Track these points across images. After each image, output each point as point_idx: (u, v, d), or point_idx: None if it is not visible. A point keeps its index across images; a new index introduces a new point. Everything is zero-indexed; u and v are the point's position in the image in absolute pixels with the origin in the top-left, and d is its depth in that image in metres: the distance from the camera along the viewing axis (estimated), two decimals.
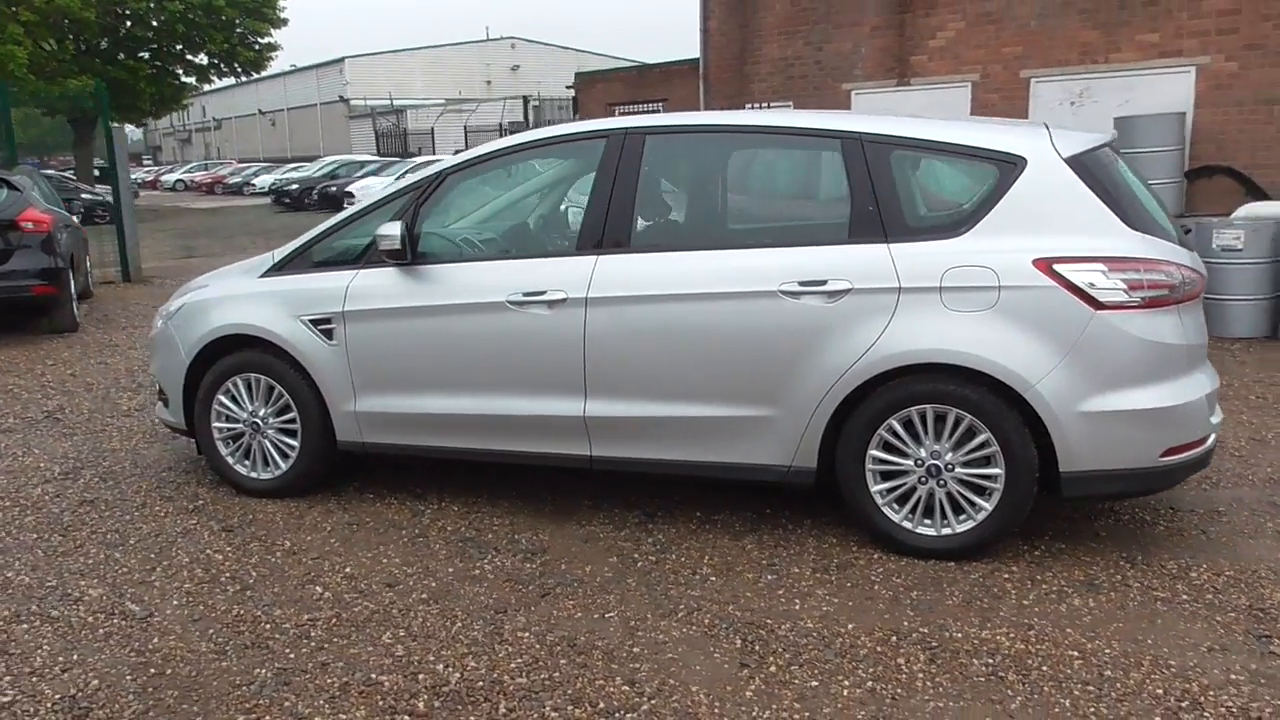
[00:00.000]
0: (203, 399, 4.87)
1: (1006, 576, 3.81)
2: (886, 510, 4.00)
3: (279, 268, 4.81)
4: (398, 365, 4.51)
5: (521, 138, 4.57)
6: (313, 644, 3.45)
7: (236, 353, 4.78)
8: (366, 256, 4.58)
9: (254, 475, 4.88)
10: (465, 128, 38.77)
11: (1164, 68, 9.96)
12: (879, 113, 4.05)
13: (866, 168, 3.97)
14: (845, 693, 3.06)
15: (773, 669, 3.21)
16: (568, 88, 21.78)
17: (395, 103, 46.94)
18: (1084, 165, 3.85)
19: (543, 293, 4.24)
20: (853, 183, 3.99)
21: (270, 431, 4.81)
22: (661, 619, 3.57)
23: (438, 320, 4.41)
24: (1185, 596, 3.63)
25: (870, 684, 3.10)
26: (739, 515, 4.47)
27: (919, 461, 3.92)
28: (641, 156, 4.24)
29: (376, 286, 4.52)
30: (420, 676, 3.21)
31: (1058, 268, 3.71)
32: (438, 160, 6.61)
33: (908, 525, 3.98)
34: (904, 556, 3.99)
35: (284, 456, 4.81)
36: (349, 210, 4.81)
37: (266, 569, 4.06)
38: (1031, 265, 3.73)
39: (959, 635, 3.37)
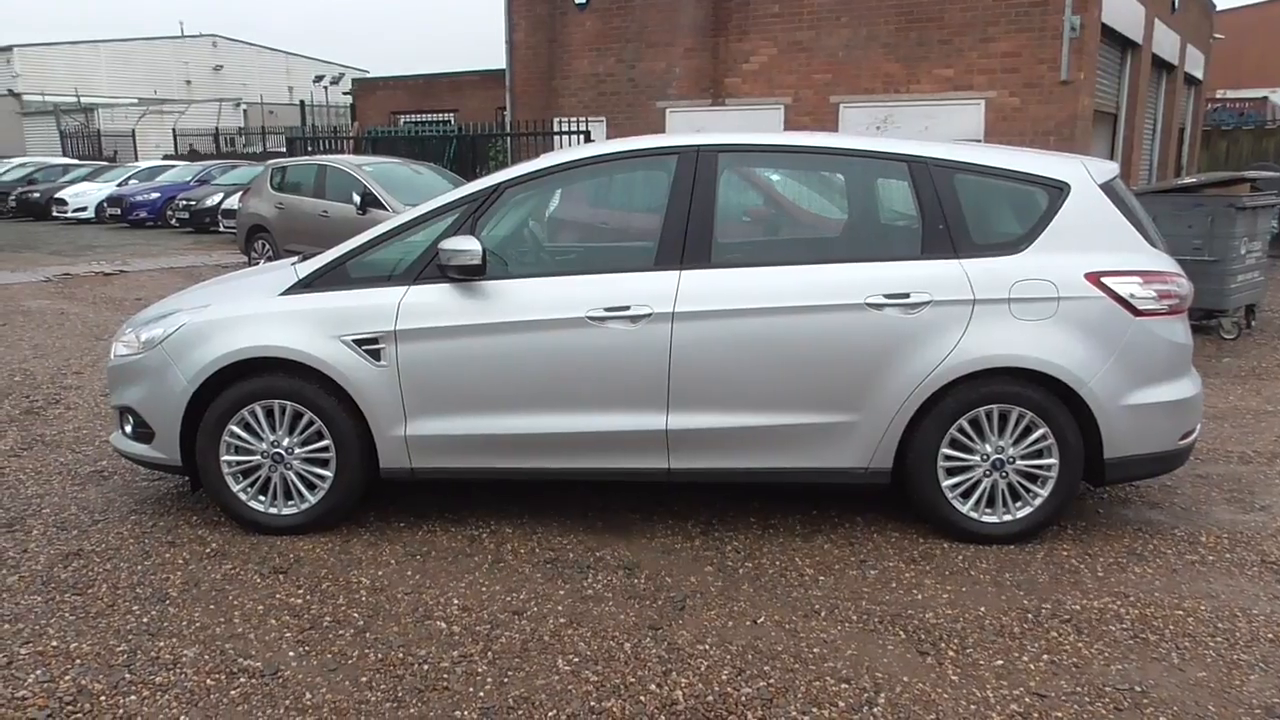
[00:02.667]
0: (209, 430, 4.37)
1: (1065, 554, 4.30)
2: (955, 502, 4.37)
3: (306, 285, 4.42)
4: (462, 385, 4.30)
5: (584, 152, 4.51)
6: (491, 680, 3.27)
7: (254, 378, 4.34)
8: (420, 271, 4.33)
9: (273, 511, 4.44)
10: (174, 131, 35.62)
11: (958, 100, 11.27)
12: (928, 140, 4.41)
13: (934, 189, 4.34)
14: (1032, 666, 3.37)
15: (952, 654, 3.46)
16: (345, 94, 20.72)
17: (83, 100, 42.15)
18: (1113, 190, 4.43)
19: (626, 308, 4.23)
20: (922, 203, 4.34)
21: (295, 462, 4.40)
22: (809, 619, 3.72)
23: (510, 337, 4.27)
24: (1211, 557, 4.28)
25: (1045, 657, 3.43)
26: (792, 518, 4.68)
27: (984, 456, 4.33)
28: (716, 174, 4.36)
29: (435, 303, 4.29)
30: (641, 699, 3.16)
31: (1105, 280, 4.26)
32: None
33: (974, 515, 4.37)
34: (969, 544, 4.38)
35: (310, 489, 4.43)
36: (389, 224, 4.51)
37: (366, 609, 3.76)
38: (1084, 278, 4.25)
39: (1077, 608, 3.80)
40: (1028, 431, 4.30)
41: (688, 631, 3.60)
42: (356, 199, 11.87)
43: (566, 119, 13.55)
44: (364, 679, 3.28)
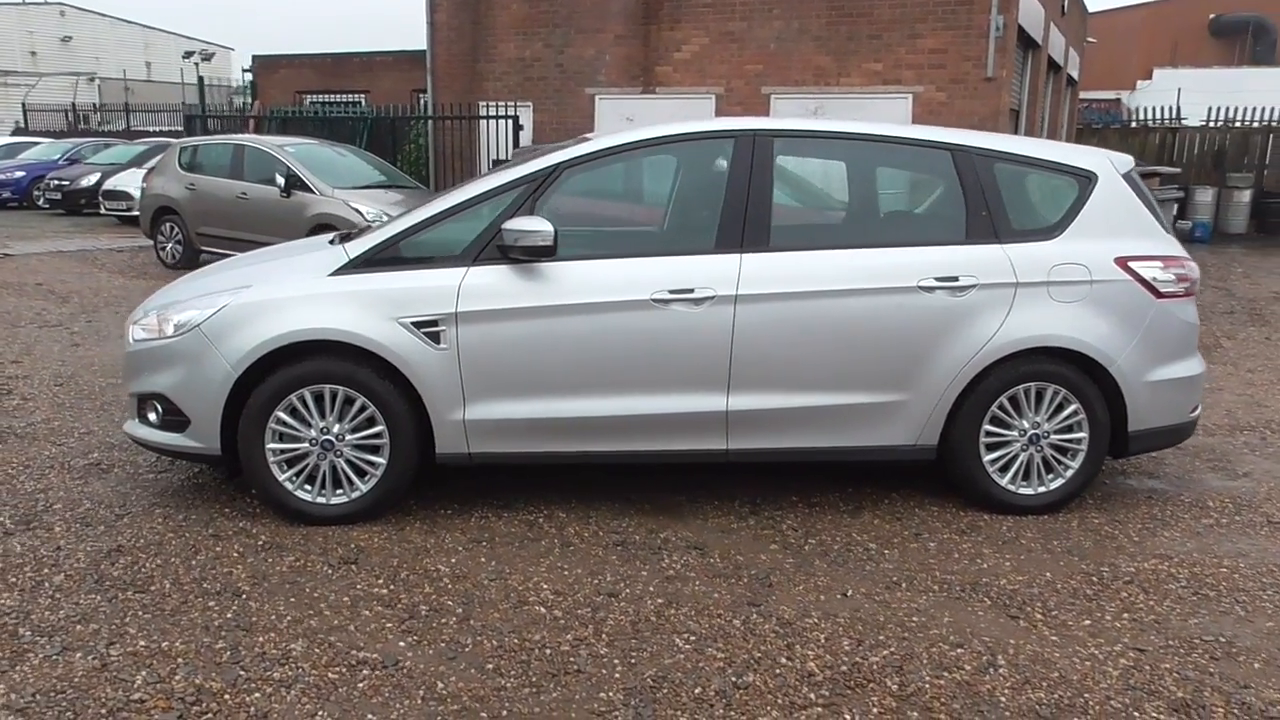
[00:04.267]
0: (254, 417, 4.18)
1: (1098, 523, 4.56)
2: (994, 476, 4.58)
3: (358, 265, 4.26)
4: (524, 368, 4.25)
5: (642, 134, 4.49)
6: (618, 661, 3.27)
7: (303, 362, 4.17)
8: (479, 252, 4.25)
9: (320, 501, 4.28)
10: (24, 105, 33.21)
11: (886, 93, 11.66)
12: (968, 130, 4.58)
13: (976, 177, 4.52)
14: (1118, 624, 3.58)
15: (1040, 617, 3.64)
16: (244, 70, 19.74)
17: None
18: (1132, 180, 4.72)
19: (690, 290, 4.26)
20: (966, 190, 4.52)
21: (345, 450, 4.26)
22: (893, 591, 3.84)
23: (574, 319, 4.23)
24: (1224, 520, 4.62)
25: (1125, 615, 3.65)
26: (833, 495, 4.80)
27: (1022, 432, 4.55)
28: (772, 158, 4.42)
29: (496, 284, 4.22)
30: (777, 672, 3.22)
31: (1132, 264, 4.53)
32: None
33: (1011, 488, 4.59)
34: (1006, 515, 4.59)
35: (361, 476, 4.29)
36: (443, 203, 4.38)
37: (459, 597, 3.68)
38: (1113, 262, 4.52)
39: (1132, 569, 4.05)
40: (1060, 407, 4.55)
41: (787, 607, 3.68)
42: (280, 181, 11.41)
43: (491, 103, 13.35)
44: (489, 666, 3.22)
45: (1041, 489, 4.61)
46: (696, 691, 3.10)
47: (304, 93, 17.60)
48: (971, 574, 3.99)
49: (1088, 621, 3.61)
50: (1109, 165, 4.67)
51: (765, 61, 12.08)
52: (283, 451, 4.24)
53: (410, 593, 3.70)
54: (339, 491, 4.30)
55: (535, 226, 4.08)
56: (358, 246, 4.31)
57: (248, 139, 12.34)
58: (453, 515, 4.46)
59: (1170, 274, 4.58)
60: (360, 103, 17.30)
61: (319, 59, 17.81)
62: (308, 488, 4.28)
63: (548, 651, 3.31)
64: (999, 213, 4.51)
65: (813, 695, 3.09)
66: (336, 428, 4.24)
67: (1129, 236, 4.60)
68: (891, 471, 5.03)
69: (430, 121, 13.82)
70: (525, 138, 13.21)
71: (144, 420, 4.45)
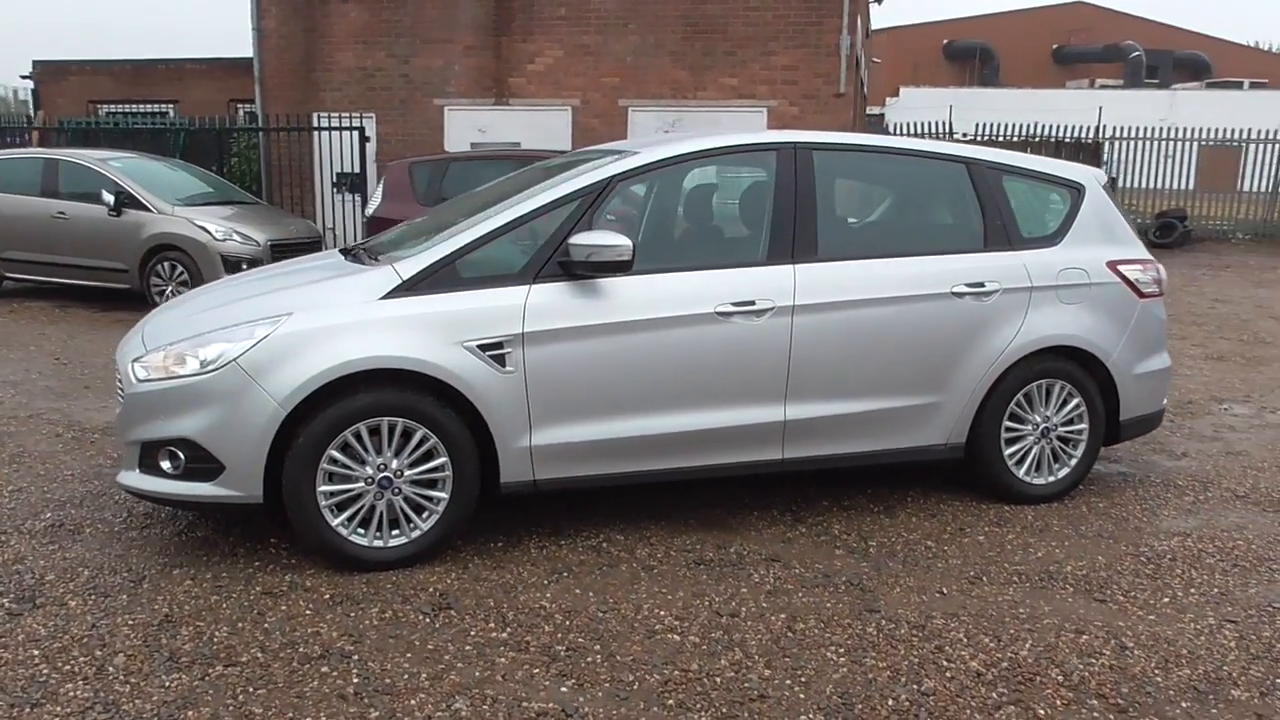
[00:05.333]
0: (304, 457, 3.77)
1: (1103, 507, 4.91)
2: (1013, 468, 4.84)
3: (411, 286, 3.93)
4: (591, 388, 4.07)
5: (688, 147, 4.40)
6: (790, 680, 3.20)
7: (358, 394, 3.81)
8: (540, 269, 4.03)
9: (379, 544, 3.92)
10: None
11: (742, 107, 12.02)
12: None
13: (989, 188, 4.78)
14: (1192, 599, 3.88)
15: (1121, 598, 3.88)
16: (23, 77, 17.45)
17: None
18: (1110, 190, 5.13)
19: (752, 302, 4.25)
20: (982, 200, 4.76)
21: (404, 486, 3.92)
22: (977, 585, 3.98)
23: (641, 335, 4.11)
24: (1201, 497, 5.09)
25: (1191, 590, 3.96)
26: (860, 497, 4.91)
27: (1034, 425, 4.85)
28: (814, 170, 4.48)
29: (560, 302, 4.02)
30: (948, 674, 3.25)
31: (1120, 268, 4.93)
32: None
33: (1026, 479, 4.88)
34: (1021, 504, 4.86)
35: (419, 514, 3.97)
36: (498, 220, 4.10)
37: (585, 633, 3.47)
38: (1105, 266, 4.90)
39: (1165, 547, 4.39)
40: (1065, 402, 4.88)
41: (902, 610, 3.73)
42: (109, 198, 10.31)
43: (329, 114, 12.63)
44: (670, 702, 3.07)
45: (1051, 479, 4.92)
46: (890, 704, 3.09)
47: (99, 102, 15.90)
48: (1036, 564, 4.19)
49: (1166, 599, 3.89)
50: (1092, 177, 5.07)
51: (622, 74, 12.16)
52: (334, 494, 3.85)
53: (532, 634, 3.46)
54: (395, 533, 3.96)
55: (612, 241, 3.93)
56: (409, 266, 3.98)
57: (63, 154, 11.05)
58: (508, 547, 4.21)
59: (1148, 275, 5.02)
60: (169, 113, 15.82)
61: (117, 65, 16.06)
62: (361, 531, 3.91)
63: (717, 680, 3.20)
64: (1011, 222, 4.79)
65: (996, 695, 3.16)
66: (395, 463, 3.90)
67: (1113, 242, 5.00)
68: (885, 472, 5.14)
69: (262, 133, 12.89)
70: (371, 150, 12.62)
71: (152, 470, 3.91)
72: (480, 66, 12.39)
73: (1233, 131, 22.87)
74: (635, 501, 4.72)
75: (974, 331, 4.62)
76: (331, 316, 3.85)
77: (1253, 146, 22.17)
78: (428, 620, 3.54)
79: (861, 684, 3.20)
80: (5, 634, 3.37)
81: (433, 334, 3.88)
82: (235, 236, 10.47)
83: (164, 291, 10.41)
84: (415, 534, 3.97)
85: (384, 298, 3.91)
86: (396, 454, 3.90)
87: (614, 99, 12.16)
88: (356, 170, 12.62)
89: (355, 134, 12.50)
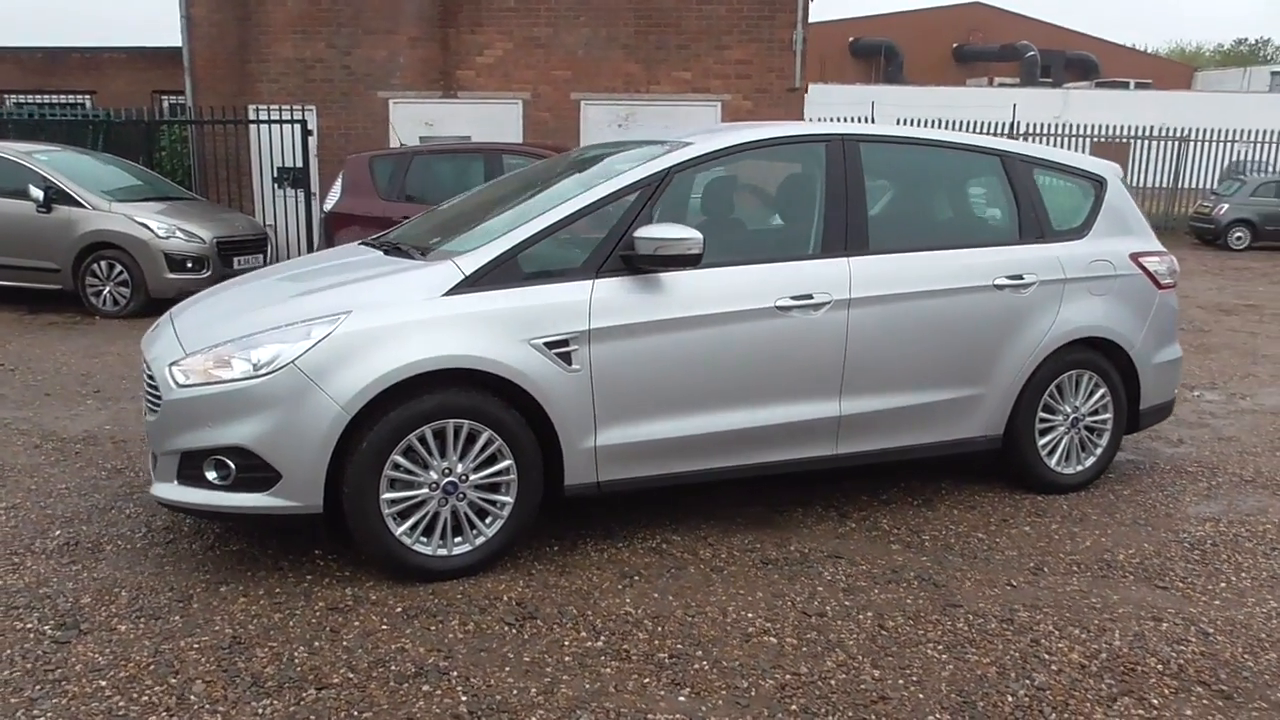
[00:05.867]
0: (367, 463, 3.56)
1: (1128, 495, 5.00)
2: (1046, 458, 4.90)
3: (474, 282, 3.75)
4: (655, 386, 3.96)
5: (740, 137, 4.30)
6: (898, 681, 3.15)
7: (423, 396, 3.61)
8: (602, 263, 3.90)
9: (443, 553, 3.74)
10: None
11: (696, 101, 11.96)
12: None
13: (1023, 181, 4.82)
14: (1247, 583, 3.96)
15: (1181, 584, 3.95)
16: None
17: None
18: (1124, 183, 5.23)
19: (810, 296, 4.19)
20: (1017, 193, 4.80)
21: (469, 491, 3.74)
22: (1042, 577, 3.99)
23: (705, 331, 4.01)
24: (1213, 483, 5.23)
25: (1242, 574, 4.05)
26: (895, 490, 4.90)
27: (1065, 416, 4.91)
28: (861, 162, 4.44)
29: (623, 297, 3.89)
30: (1054, 668, 3.24)
31: (1141, 260, 5.04)
32: None
33: (1058, 468, 4.94)
34: (1050, 494, 4.92)
35: (484, 519, 3.80)
36: (558, 213, 3.93)
37: (680, 639, 3.36)
38: (1129, 258, 5.00)
39: (1200, 534, 4.48)
40: (1092, 392, 4.96)
41: (983, 604, 3.72)
42: (38, 194, 9.70)
43: (267, 106, 12.11)
44: (794, 707, 2.98)
45: (1079, 468, 5.00)
46: (1010, 700, 3.06)
47: (8, 92, 14.88)
48: (1088, 553, 4.24)
49: (1223, 584, 3.97)
50: (1111, 171, 5.16)
51: (574, 68, 11.98)
52: (396, 501, 3.65)
53: (628, 641, 3.33)
54: (458, 540, 3.77)
55: (682, 234, 3.82)
56: (471, 262, 3.79)
57: None
58: (565, 551, 4.07)
59: (1164, 266, 5.14)
60: (85, 104, 14.94)
61: (27, 53, 15.05)
62: (424, 539, 3.72)
63: (831, 683, 3.12)
64: (1043, 214, 4.84)
65: (1106, 686, 3.16)
66: (460, 467, 3.71)
67: (1133, 235, 5.11)
68: (914, 465, 5.15)
69: (194, 126, 12.27)
70: (313, 145, 12.15)
71: (194, 481, 3.65)
72: (426, 58, 12.05)
73: (1122, 128, 24.00)
74: (676, 500, 4.62)
75: (1013, 324, 4.65)
76: (394, 314, 3.64)
77: (1139, 143, 23.32)
78: (514, 631, 3.38)
79: (973, 681, 3.17)
80: (61, 664, 3.09)
81: (500, 332, 3.71)
82: (179, 234, 9.97)
83: (100, 293, 9.85)
84: (479, 541, 3.79)
85: (447, 294, 3.72)
86: (461, 458, 3.72)
87: (566, 92, 11.98)
88: (299, 165, 12.15)
89: (297, 127, 12.03)
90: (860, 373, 4.34)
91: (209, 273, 10.11)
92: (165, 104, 14.47)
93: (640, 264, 3.90)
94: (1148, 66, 56.70)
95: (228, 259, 10.30)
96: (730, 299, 4.07)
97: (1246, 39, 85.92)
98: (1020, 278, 4.66)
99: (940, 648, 3.38)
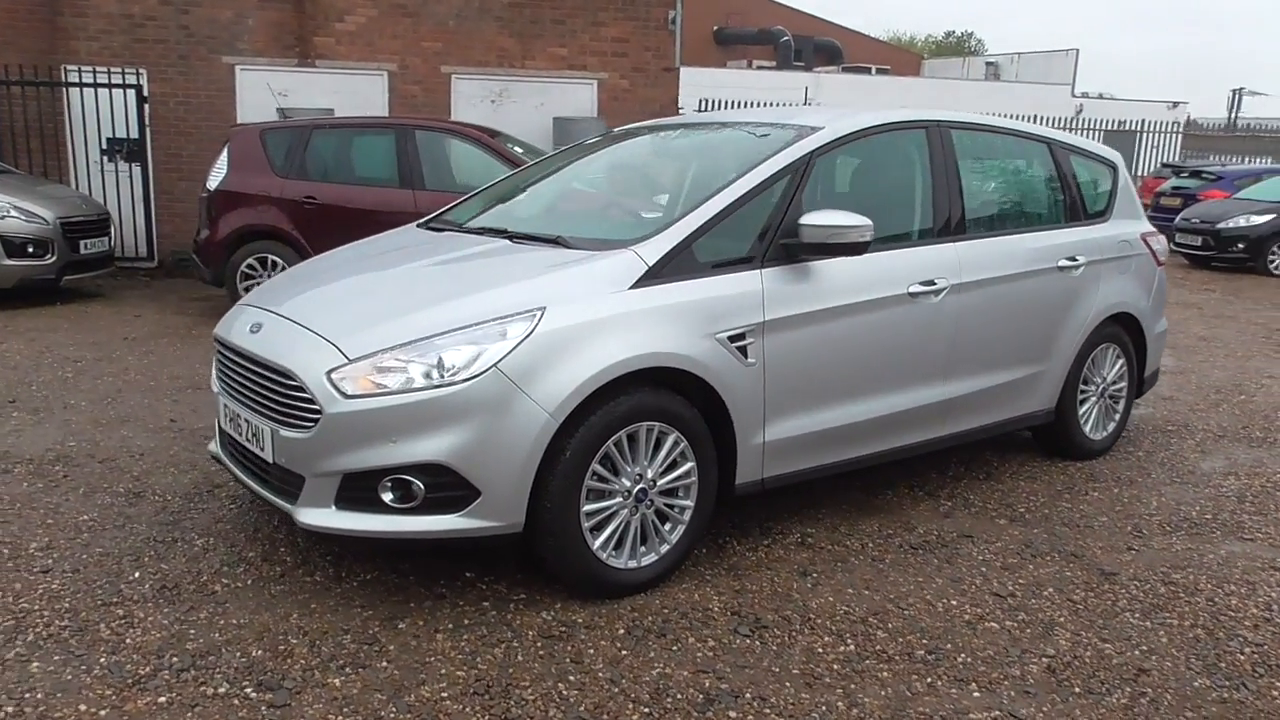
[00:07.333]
0: (570, 473, 3.26)
1: (1140, 456, 5.43)
2: (1084, 427, 5.23)
3: (656, 273, 3.48)
4: (813, 376, 3.87)
5: (866, 120, 4.24)
6: (1118, 653, 3.27)
7: (619, 397, 3.34)
8: (765, 252, 3.74)
9: (631, 565, 3.49)
10: None
11: (572, 78, 11.62)
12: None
13: (1065, 166, 5.08)
14: None
15: (1262, 535, 4.35)
16: None
17: None
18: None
19: (932, 282, 4.23)
20: (1063, 178, 5.05)
21: (656, 498, 3.51)
22: (1140, 539, 4.25)
23: (855, 319, 3.96)
24: (1220, 444, 5.79)
25: None
26: (958, 468, 5.06)
27: (1096, 386, 5.26)
28: (954, 148, 4.52)
29: (787, 287, 3.77)
30: (1252, 638, 3.48)
31: (1147, 239, 5.46)
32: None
33: (1091, 435, 5.29)
34: (1083, 460, 5.26)
35: (666, 524, 3.58)
36: (722, 200, 3.69)
37: (916, 634, 3.32)
38: (1140, 238, 5.40)
39: (1238, 486, 4.94)
40: (1114, 363, 5.34)
41: (1132, 569, 3.92)
42: None
43: (86, 68, 10.59)
44: (1076, 688, 3.03)
45: (1104, 434, 5.37)
46: (1241, 657, 3.26)
47: None
48: (1166, 513, 4.57)
49: None
50: (1118, 157, 5.54)
51: (444, 39, 11.31)
52: (592, 513, 3.37)
53: (872, 641, 3.25)
54: (644, 550, 3.53)
55: (854, 222, 3.73)
56: (652, 251, 3.52)
57: None
58: (718, 554, 3.90)
59: (1160, 245, 5.60)
60: None
61: None
62: (615, 552, 3.46)
63: (1087, 660, 3.20)
64: (1080, 198, 5.14)
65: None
66: (649, 472, 3.47)
67: (1138, 216, 5.53)
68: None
69: None
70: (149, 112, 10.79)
71: (363, 506, 3.20)
72: (279, 21, 10.99)
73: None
74: (772, 494, 4.54)
75: (1070, 303, 4.92)
76: (589, 310, 3.33)
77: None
78: (758, 644, 3.21)
79: (1193, 643, 3.34)
80: None
81: (689, 326, 3.49)
82: (14, 213, 8.64)
83: None
84: (664, 550, 3.57)
85: (633, 286, 3.45)
86: (651, 462, 3.48)
87: (435, 65, 11.32)
88: (134, 136, 10.77)
89: (130, 93, 10.66)
90: (962, 356, 4.43)
91: (53, 258, 8.85)
92: None
93: (803, 252, 3.79)
94: (884, 54, 61.00)
95: (74, 243, 9.03)
96: (872, 286, 4.03)
97: (954, 31, 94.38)
98: (1074, 259, 4.92)
99: (1137, 615, 3.54)
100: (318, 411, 3.18)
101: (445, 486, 3.16)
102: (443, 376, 3.14)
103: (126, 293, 9.88)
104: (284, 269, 8.46)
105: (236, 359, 3.64)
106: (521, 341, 3.19)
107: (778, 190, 3.86)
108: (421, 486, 3.16)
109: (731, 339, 3.59)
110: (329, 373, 3.19)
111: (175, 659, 2.96)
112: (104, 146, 10.87)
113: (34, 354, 6.96)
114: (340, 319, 3.42)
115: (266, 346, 3.44)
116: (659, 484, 3.51)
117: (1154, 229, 5.62)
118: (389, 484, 3.18)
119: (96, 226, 9.40)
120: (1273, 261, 14.04)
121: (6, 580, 3.44)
